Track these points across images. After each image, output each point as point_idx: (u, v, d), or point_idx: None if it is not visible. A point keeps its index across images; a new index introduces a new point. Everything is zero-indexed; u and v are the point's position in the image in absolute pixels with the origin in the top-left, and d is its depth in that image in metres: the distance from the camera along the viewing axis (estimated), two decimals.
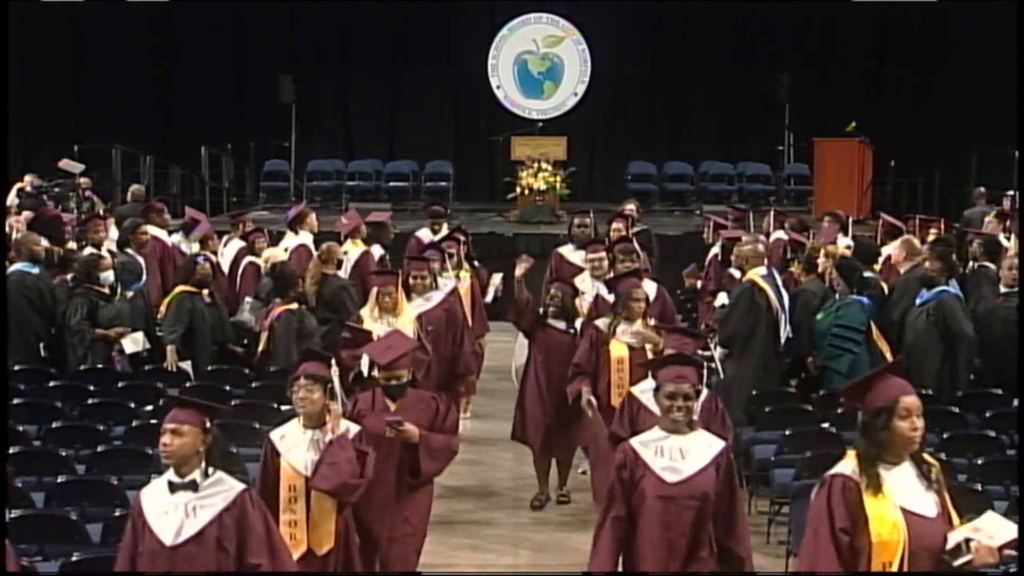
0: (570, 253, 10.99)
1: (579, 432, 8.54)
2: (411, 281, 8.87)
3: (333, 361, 5.91)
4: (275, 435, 5.79)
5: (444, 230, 11.86)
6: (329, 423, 5.71)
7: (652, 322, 8.02)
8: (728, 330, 9.20)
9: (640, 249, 9.88)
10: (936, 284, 8.93)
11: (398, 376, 6.33)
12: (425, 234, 12.13)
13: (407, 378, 6.37)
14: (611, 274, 9.04)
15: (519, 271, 9.04)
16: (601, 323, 8.00)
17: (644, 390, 6.35)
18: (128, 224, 11.34)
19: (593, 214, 11.53)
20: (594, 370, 7.93)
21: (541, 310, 9.00)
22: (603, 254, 9.53)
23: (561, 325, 8.80)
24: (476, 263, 11.12)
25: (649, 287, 8.63)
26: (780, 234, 12.02)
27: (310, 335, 9.18)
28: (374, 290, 8.47)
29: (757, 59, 21.03)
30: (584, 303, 9.11)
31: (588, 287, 9.35)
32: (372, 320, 8.23)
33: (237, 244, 12.20)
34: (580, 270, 10.11)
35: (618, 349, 7.82)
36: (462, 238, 10.86)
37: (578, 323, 8.68)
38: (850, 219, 12.79)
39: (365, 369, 7.50)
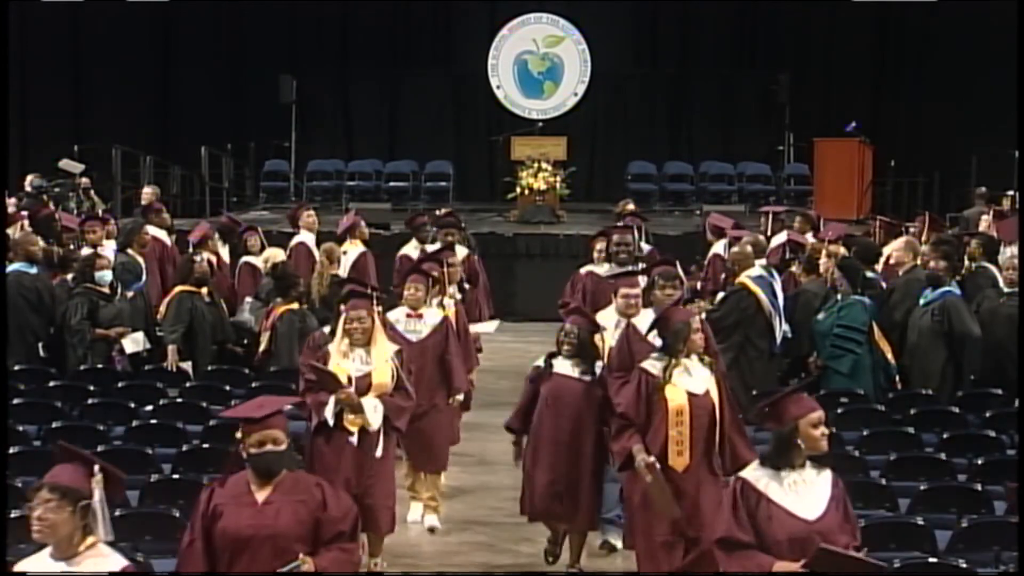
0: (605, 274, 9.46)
1: (594, 503, 7.31)
2: (404, 300, 8.22)
3: (96, 468, 4.53)
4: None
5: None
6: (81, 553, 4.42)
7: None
8: (712, 324, 9.25)
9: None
10: (941, 284, 8.93)
11: (274, 439, 4.82)
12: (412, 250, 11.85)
13: (284, 445, 4.86)
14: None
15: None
16: (651, 364, 6.52)
17: (759, 474, 4.98)
18: (131, 225, 11.34)
19: (636, 230, 10.15)
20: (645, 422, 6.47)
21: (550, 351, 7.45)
22: (640, 290, 7.84)
23: (574, 371, 7.23)
24: (467, 285, 9.99)
25: None
26: (782, 235, 12.02)
27: (311, 334, 9.17)
28: (342, 318, 7.04)
29: (757, 59, 21.03)
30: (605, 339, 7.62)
31: (611, 324, 7.74)
32: (341, 356, 6.93)
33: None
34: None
35: (676, 396, 6.38)
36: (448, 260, 9.34)
37: (598, 367, 7.25)
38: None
39: (330, 417, 6.80)
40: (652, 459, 6.29)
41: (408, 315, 8.26)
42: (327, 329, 7.37)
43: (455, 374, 8.31)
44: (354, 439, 6.84)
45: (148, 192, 14.22)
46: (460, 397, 8.54)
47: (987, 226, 12.17)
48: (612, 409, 6.78)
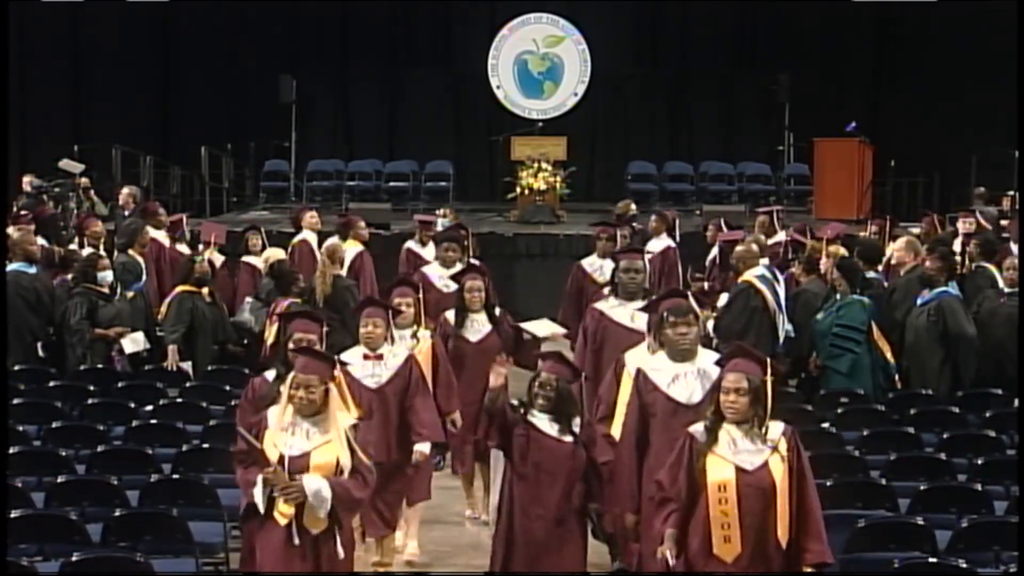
0: (611, 309, 8.13)
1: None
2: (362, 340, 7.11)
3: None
4: None
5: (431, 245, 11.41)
6: None
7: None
8: (721, 330, 9.25)
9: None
10: (936, 284, 8.93)
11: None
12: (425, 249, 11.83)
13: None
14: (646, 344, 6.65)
15: (495, 380, 6.14)
16: (695, 429, 5.39)
17: None
18: (132, 226, 11.34)
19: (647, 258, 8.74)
20: (682, 489, 5.36)
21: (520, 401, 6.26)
22: (694, 329, 6.33)
23: (552, 428, 6.08)
24: (498, 311, 8.58)
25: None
26: (782, 235, 12.04)
27: None
28: (288, 378, 5.55)
29: (757, 59, 21.03)
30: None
31: (644, 360, 6.50)
32: (280, 429, 5.43)
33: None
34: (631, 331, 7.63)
35: (719, 468, 5.27)
36: (468, 283, 8.42)
37: (575, 424, 6.12)
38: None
39: (259, 501, 5.36)
40: (674, 558, 5.28)
41: (366, 356, 7.08)
42: (272, 374, 6.28)
43: (418, 416, 7.07)
44: (294, 539, 5.34)
45: (125, 192, 14.20)
46: (425, 449, 7.12)
47: (965, 229, 12.16)
48: (597, 473, 6.11)
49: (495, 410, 6.10)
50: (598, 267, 10.61)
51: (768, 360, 5.37)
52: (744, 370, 5.32)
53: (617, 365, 6.69)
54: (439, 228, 13.22)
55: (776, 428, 5.31)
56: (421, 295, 7.86)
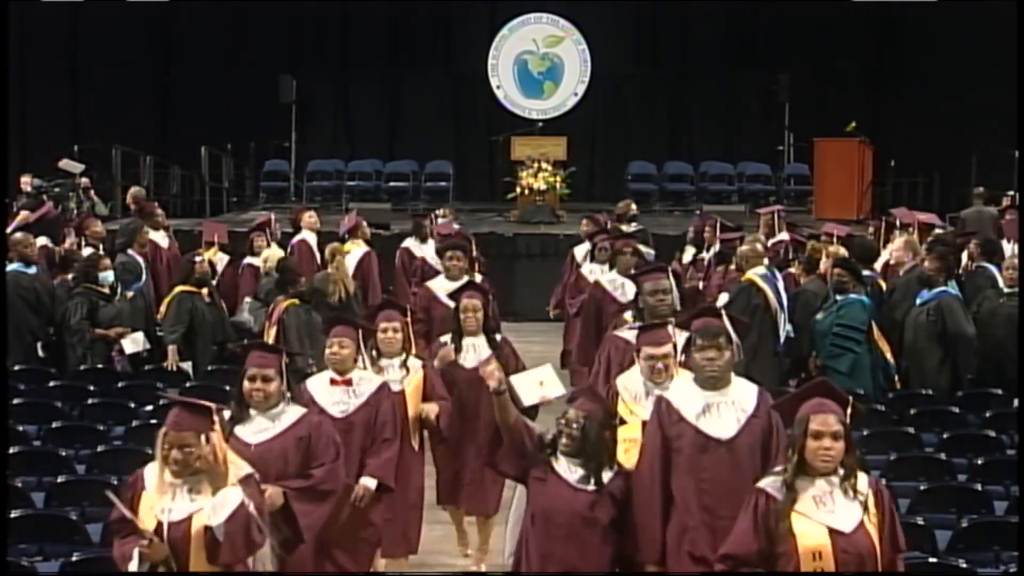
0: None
1: None
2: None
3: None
4: None
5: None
6: None
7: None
8: None
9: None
10: (935, 284, 8.93)
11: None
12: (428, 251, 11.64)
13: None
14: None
15: (492, 381, 5.35)
16: (769, 484, 4.59)
17: None
18: (131, 226, 11.35)
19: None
20: (761, 561, 4.55)
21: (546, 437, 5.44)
22: (669, 347, 5.84)
23: (572, 474, 5.27)
24: (498, 336, 7.54)
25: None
26: (782, 235, 12.03)
27: (316, 331, 9.17)
28: (159, 435, 4.67)
29: (757, 59, 21.05)
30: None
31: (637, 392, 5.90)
32: (159, 494, 4.64)
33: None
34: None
35: (810, 531, 4.46)
36: (465, 303, 7.37)
37: (606, 476, 5.28)
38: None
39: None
40: None
41: (333, 381, 6.31)
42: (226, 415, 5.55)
43: (372, 456, 6.24)
44: None
45: (132, 192, 14.21)
46: (371, 485, 6.21)
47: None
48: (634, 541, 5.24)
49: (511, 427, 5.35)
50: (596, 270, 10.55)
51: (850, 399, 4.64)
52: (833, 411, 4.53)
53: (610, 393, 5.92)
54: (438, 223, 13.19)
55: (862, 480, 4.55)
56: (413, 316, 7.15)
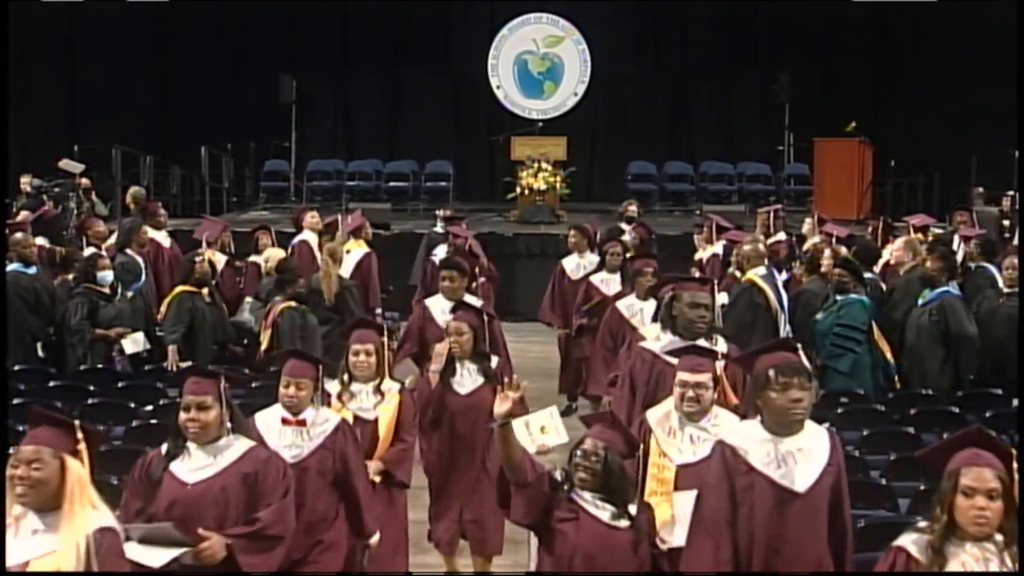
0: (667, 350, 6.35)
1: None
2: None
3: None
4: None
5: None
6: None
7: None
8: (726, 328, 9.22)
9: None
10: (937, 284, 8.93)
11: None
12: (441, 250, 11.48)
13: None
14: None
15: (500, 407, 4.71)
16: (912, 542, 4.07)
17: None
18: (130, 225, 11.34)
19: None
20: None
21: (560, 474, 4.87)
22: (709, 376, 5.38)
23: (603, 511, 4.75)
24: (495, 360, 6.93)
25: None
26: (781, 235, 12.04)
27: (311, 333, 9.18)
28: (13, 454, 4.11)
29: (757, 59, 21.06)
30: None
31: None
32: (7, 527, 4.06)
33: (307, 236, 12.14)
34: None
35: None
36: (454, 327, 6.83)
37: (632, 508, 4.80)
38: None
39: None
40: None
41: (285, 421, 5.56)
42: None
43: (356, 514, 5.61)
44: None
45: (131, 192, 14.19)
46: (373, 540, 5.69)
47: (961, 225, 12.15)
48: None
49: (515, 465, 4.67)
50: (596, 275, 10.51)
51: (1013, 452, 3.98)
52: (991, 464, 3.89)
53: (641, 429, 5.37)
54: (437, 229, 13.14)
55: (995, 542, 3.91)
56: (391, 336, 6.54)
